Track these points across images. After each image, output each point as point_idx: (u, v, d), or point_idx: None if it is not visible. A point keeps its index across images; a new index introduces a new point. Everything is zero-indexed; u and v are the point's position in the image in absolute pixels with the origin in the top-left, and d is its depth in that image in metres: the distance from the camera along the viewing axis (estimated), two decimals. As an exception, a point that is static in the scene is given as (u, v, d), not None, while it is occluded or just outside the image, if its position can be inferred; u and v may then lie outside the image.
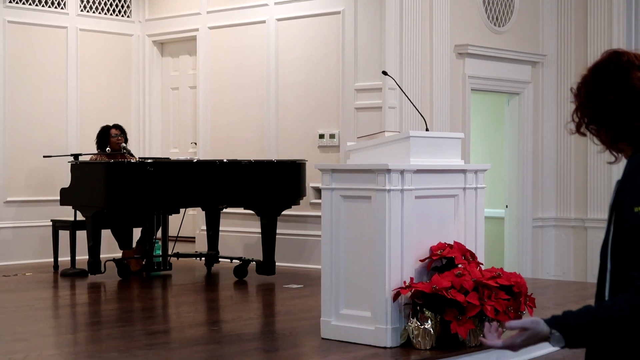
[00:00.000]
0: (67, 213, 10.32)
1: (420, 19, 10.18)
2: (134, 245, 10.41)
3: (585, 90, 2.54)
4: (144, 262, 10.00)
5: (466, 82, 10.73)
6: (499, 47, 11.12)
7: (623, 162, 2.53)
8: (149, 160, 9.50)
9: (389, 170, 6.11)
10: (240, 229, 11.23)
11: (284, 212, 9.94)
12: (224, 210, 10.69)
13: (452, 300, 6.01)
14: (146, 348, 6.26)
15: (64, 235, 10.20)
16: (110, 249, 10.71)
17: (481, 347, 6.10)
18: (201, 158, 11.18)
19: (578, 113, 2.57)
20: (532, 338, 2.40)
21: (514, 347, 2.44)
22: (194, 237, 11.89)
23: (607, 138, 2.53)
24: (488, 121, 12.27)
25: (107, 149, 10.22)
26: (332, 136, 10.51)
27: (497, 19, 11.19)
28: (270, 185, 9.59)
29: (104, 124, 10.49)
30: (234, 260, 10.12)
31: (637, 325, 2.32)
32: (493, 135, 12.14)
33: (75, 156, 10.03)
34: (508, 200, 11.58)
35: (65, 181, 10.04)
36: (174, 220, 10.54)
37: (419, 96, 10.01)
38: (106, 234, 10.14)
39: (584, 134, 2.59)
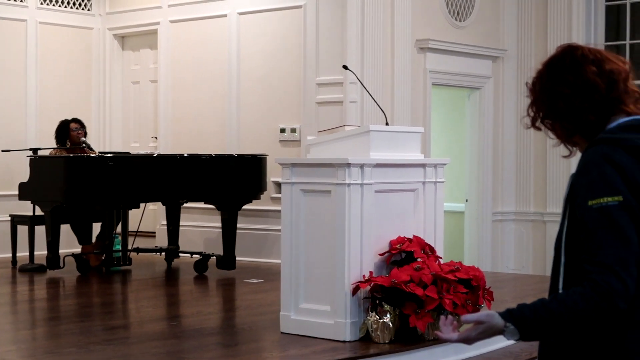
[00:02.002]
0: (26, 208, 10.22)
1: (382, 13, 10.19)
2: (94, 240, 10.34)
3: (540, 84, 2.56)
4: (103, 257, 9.94)
5: (427, 77, 10.76)
6: (460, 42, 11.16)
7: (578, 155, 2.55)
8: (109, 155, 9.43)
9: (348, 165, 6.12)
10: (201, 224, 11.19)
11: (244, 207, 9.92)
12: (185, 204, 10.65)
13: (410, 294, 6.03)
14: (104, 343, 6.22)
15: (23, 230, 10.11)
16: (69, 244, 10.63)
17: (440, 340, 6.12)
18: (162, 152, 11.13)
19: (533, 107, 2.58)
20: (487, 331, 2.42)
21: (469, 340, 2.46)
22: (155, 232, 11.83)
23: (562, 132, 2.55)
24: (449, 116, 12.32)
25: (67, 143, 10.14)
26: (293, 130, 10.50)
27: (458, 13, 11.23)
28: (231, 180, 9.57)
29: (64, 118, 10.41)
30: (194, 255, 10.09)
31: (590, 318, 2.34)
32: (454, 130, 12.18)
33: (35, 150, 9.94)
34: (468, 194, 11.64)
35: (24, 176, 9.95)
36: (134, 215, 10.48)
37: (380, 90, 10.02)
38: (65, 229, 10.06)
39: (539, 128, 2.60)
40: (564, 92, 2.49)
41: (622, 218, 2.33)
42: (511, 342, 5.87)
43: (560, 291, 2.46)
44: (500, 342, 6.36)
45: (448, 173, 11.77)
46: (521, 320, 2.38)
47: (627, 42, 10.84)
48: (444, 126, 12.25)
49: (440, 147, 11.91)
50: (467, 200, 11.66)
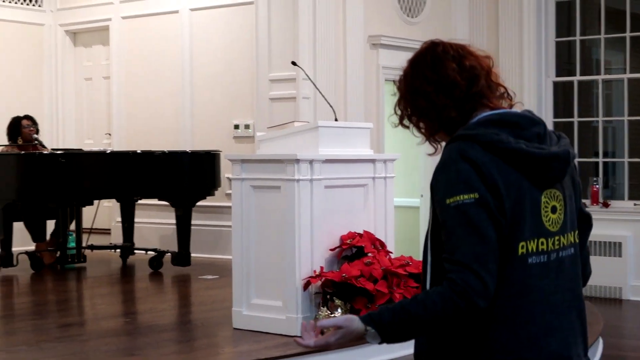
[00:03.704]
0: (-22, 206, 10.14)
1: (334, 9, 10.23)
2: (48, 237, 10.29)
3: (405, 82, 2.55)
4: (57, 255, 9.90)
5: (380, 73, 10.82)
6: (413, 38, 11.22)
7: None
8: (61, 152, 9.40)
9: (297, 160, 6.16)
10: (156, 221, 11.18)
11: (199, 203, 9.92)
12: (140, 201, 10.63)
13: (361, 289, 6.09)
14: (56, 341, 6.22)
15: (-25, 228, 10.03)
16: (23, 242, 10.57)
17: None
18: (116, 149, 11.10)
19: (400, 105, 2.57)
20: (346, 336, 2.38)
21: (329, 346, 2.42)
22: (110, 229, 11.80)
23: (427, 129, 2.54)
24: (402, 111, 12.37)
25: (19, 140, 10.08)
26: (247, 126, 10.53)
27: (410, 10, 11.30)
28: (185, 176, 9.56)
29: (15, 115, 10.34)
30: (149, 252, 10.08)
31: (449, 317, 2.33)
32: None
33: (-14, 148, 9.88)
34: (423, 189, 11.72)
35: (-24, 174, 9.87)
36: (89, 212, 10.44)
37: (332, 86, 10.07)
38: (19, 227, 10.00)
39: (407, 127, 2.59)
40: (426, 90, 2.48)
41: (479, 215, 2.33)
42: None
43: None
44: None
45: (402, 168, 11.88)
46: (381, 324, 2.36)
47: (578, 38, 10.98)
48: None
49: (394, 143, 11.97)
50: (422, 196, 11.75)
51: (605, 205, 10.38)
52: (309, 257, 6.25)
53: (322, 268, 6.27)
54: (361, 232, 6.54)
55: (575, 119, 10.82)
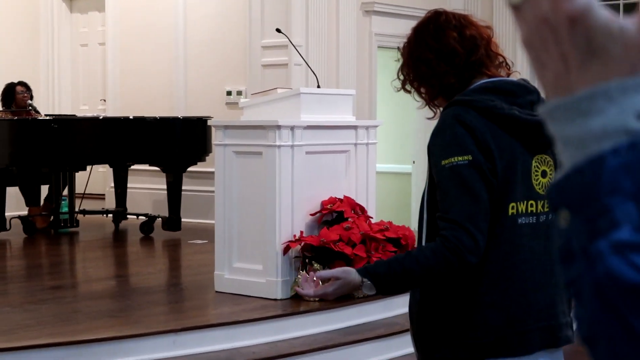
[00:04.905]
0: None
1: (327, -24, 10.25)
2: (42, 202, 10.39)
3: (408, 49, 2.69)
4: (51, 219, 10.00)
5: (373, 40, 10.85)
6: (406, 5, 11.23)
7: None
8: (53, 117, 9.47)
9: (279, 127, 6.22)
10: (149, 186, 11.26)
11: (190, 169, 9.99)
12: (133, 167, 10.70)
13: (339, 253, 6.18)
14: (40, 303, 6.32)
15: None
16: (17, 207, 10.66)
17: (370, 297, 6.28)
18: (110, 115, 11.15)
19: (403, 70, 2.71)
20: (344, 287, 2.52)
21: (327, 295, 2.55)
22: (104, 194, 11.88)
23: (427, 94, 2.68)
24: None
25: (12, 106, 10.16)
26: (239, 93, 10.57)
27: (404, -23, 11.30)
28: (176, 142, 9.63)
29: (9, 81, 10.41)
30: (140, 217, 10.17)
31: (441, 272, 2.45)
32: (400, 92, 12.26)
33: (-21, 113, 9.96)
34: (415, 156, 11.78)
35: (-31, 138, 9.95)
36: (83, 177, 10.53)
37: (325, 53, 10.11)
38: (12, 192, 10.10)
39: (408, 91, 2.74)
40: (428, 57, 2.61)
41: (472, 176, 2.46)
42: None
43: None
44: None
45: (394, 136, 11.94)
46: (376, 276, 2.48)
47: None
48: (391, 88, 12.34)
49: (387, 110, 12.02)
50: (414, 162, 11.81)
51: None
52: (289, 221, 6.32)
53: (302, 232, 6.35)
54: (342, 197, 6.61)
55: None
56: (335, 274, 2.55)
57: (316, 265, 6.21)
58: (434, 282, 2.51)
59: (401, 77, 2.72)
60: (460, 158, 2.47)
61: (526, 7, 0.83)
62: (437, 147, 2.53)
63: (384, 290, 2.52)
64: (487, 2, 11.71)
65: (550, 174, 2.59)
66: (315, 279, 2.60)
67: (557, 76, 0.83)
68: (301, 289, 2.61)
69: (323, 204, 6.53)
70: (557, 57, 0.82)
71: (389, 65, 12.23)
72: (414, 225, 6.63)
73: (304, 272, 2.75)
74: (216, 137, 6.59)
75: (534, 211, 2.55)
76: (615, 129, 0.79)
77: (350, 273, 2.52)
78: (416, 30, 2.68)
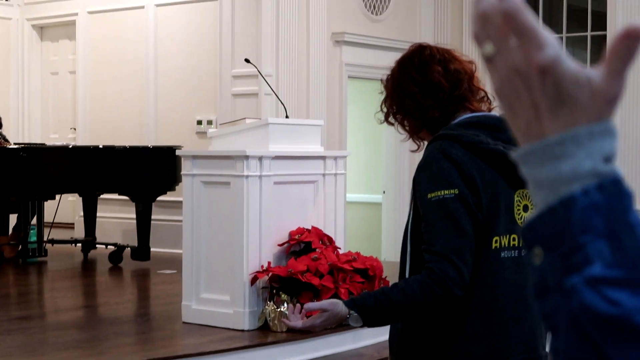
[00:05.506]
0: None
1: (297, 6, 10.30)
2: (10, 231, 10.32)
3: (392, 82, 2.70)
4: (19, 249, 9.93)
5: (343, 70, 10.90)
6: (377, 35, 11.31)
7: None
8: (21, 146, 9.44)
9: (247, 157, 6.23)
10: (118, 215, 11.22)
11: (159, 198, 9.97)
12: (103, 196, 10.67)
13: (307, 284, 6.17)
14: (6, 333, 6.27)
15: (-63, 221, 10.06)
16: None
17: (337, 328, 6.27)
18: (80, 144, 11.13)
19: (386, 103, 2.72)
20: (331, 319, 2.53)
21: (314, 327, 2.57)
22: (73, 223, 11.83)
23: (411, 127, 2.69)
24: (366, 108, 12.46)
25: (-19, 134, 10.10)
26: (209, 122, 10.58)
27: (374, 7, 11.38)
28: (146, 171, 9.61)
29: (-22, 109, 10.38)
30: (109, 247, 10.11)
31: (427, 305, 2.48)
32: (371, 122, 12.31)
33: (-52, 142, 9.90)
34: (386, 186, 11.81)
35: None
36: (52, 206, 10.47)
37: (295, 83, 10.14)
38: (-20, 221, 10.03)
39: (391, 123, 2.74)
40: (412, 90, 2.63)
41: (458, 210, 2.49)
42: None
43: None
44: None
45: (365, 166, 11.97)
46: (364, 309, 2.50)
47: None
48: (362, 118, 12.40)
49: (357, 140, 12.06)
50: (384, 192, 11.84)
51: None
52: (257, 252, 6.32)
53: (269, 263, 6.34)
54: (310, 228, 6.62)
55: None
56: (322, 306, 2.55)
57: (283, 296, 6.20)
58: (420, 314, 2.53)
59: (384, 109, 2.72)
60: (446, 192, 2.49)
61: (498, 59, 0.86)
62: (424, 180, 2.55)
63: (370, 322, 2.52)
64: (457, 33, 11.81)
65: (532, 209, 2.62)
66: (302, 310, 2.61)
67: (528, 123, 0.86)
68: (288, 320, 2.62)
69: (291, 234, 6.53)
70: (528, 105, 0.86)
71: (360, 95, 12.31)
72: (384, 255, 6.66)
73: (291, 304, 2.76)
74: (184, 167, 6.59)
75: (517, 245, 2.59)
76: (585, 172, 0.84)
77: (337, 305, 2.53)
78: (400, 64, 2.69)
